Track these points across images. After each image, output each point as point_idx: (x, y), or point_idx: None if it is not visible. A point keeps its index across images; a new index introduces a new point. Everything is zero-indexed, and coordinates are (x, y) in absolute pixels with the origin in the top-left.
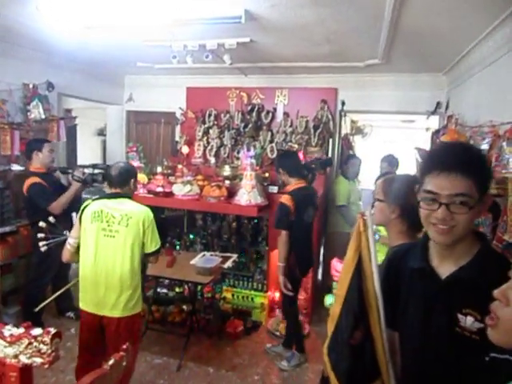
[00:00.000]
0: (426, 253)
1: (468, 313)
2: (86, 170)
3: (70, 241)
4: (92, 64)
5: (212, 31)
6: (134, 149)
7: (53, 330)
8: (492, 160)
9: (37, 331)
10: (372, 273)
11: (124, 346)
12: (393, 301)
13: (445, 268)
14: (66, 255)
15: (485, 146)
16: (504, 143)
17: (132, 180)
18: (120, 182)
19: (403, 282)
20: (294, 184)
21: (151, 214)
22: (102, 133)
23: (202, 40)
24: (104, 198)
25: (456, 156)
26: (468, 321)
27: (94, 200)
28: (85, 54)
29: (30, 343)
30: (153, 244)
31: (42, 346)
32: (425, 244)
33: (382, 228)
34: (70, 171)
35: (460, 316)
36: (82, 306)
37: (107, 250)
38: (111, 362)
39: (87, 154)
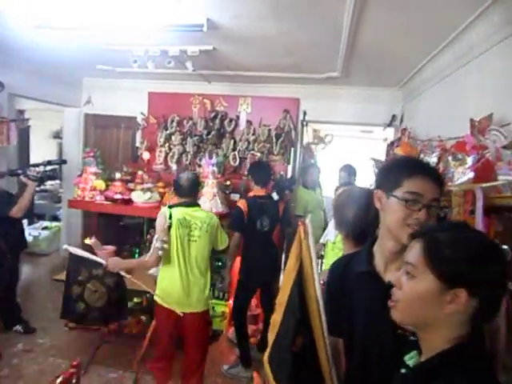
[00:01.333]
0: (370, 258)
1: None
2: (38, 169)
3: (159, 245)
4: (46, 64)
5: (174, 38)
6: (92, 154)
7: None
8: None
9: None
10: (313, 279)
11: (75, 362)
12: (337, 306)
13: (389, 273)
14: (154, 260)
15: (434, 160)
16: (450, 157)
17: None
18: (193, 192)
19: (348, 287)
20: (254, 191)
21: (217, 218)
22: (58, 135)
23: (164, 46)
24: (181, 206)
25: (431, 166)
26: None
27: (171, 208)
28: (39, 54)
29: None
30: (223, 242)
31: None
32: (369, 250)
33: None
34: (19, 172)
35: None
36: (168, 305)
37: (191, 253)
38: (59, 379)
39: (42, 157)
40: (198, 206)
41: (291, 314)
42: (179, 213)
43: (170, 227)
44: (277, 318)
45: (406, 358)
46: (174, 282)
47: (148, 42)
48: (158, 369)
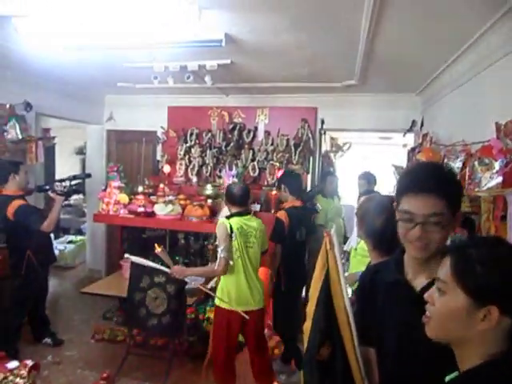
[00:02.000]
0: (400, 267)
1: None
2: (64, 184)
3: (224, 255)
4: (70, 83)
5: (193, 53)
6: (115, 169)
7: (30, 363)
8: (465, 178)
9: (13, 364)
10: (341, 290)
11: (104, 374)
12: (367, 316)
13: (419, 281)
14: (222, 269)
15: (458, 165)
16: (476, 162)
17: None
18: (246, 201)
19: (378, 297)
20: (290, 202)
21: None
22: (81, 152)
23: (183, 61)
24: (237, 216)
25: (430, 177)
26: None
27: (229, 218)
28: (63, 73)
29: (5, 377)
30: (266, 244)
31: (18, 379)
32: (399, 258)
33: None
34: (47, 188)
35: None
36: (236, 307)
37: (250, 258)
38: None
39: (66, 173)
40: (250, 213)
41: (317, 324)
42: (237, 222)
43: (231, 237)
44: (308, 325)
45: (447, 378)
46: (242, 287)
47: (168, 58)
48: (227, 372)
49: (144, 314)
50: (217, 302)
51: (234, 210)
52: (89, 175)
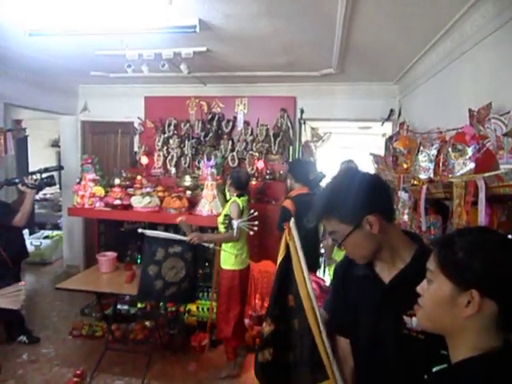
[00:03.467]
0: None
1: (412, 314)
2: (35, 176)
3: (242, 225)
4: (41, 73)
5: (167, 40)
6: (90, 161)
7: None
8: (440, 165)
9: None
10: (304, 278)
11: (78, 371)
12: (342, 308)
13: (386, 273)
14: (237, 236)
15: (433, 152)
16: (450, 149)
17: None
18: (247, 185)
19: (350, 289)
20: (296, 190)
21: None
22: (56, 144)
23: (157, 49)
24: (243, 197)
25: (320, 206)
26: (414, 321)
27: (239, 197)
28: (33, 62)
29: None
30: None
31: None
32: None
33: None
34: (16, 181)
35: (406, 318)
36: (247, 264)
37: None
38: None
39: (41, 166)
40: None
41: (269, 301)
42: (242, 202)
43: (242, 212)
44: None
45: (434, 368)
46: (247, 248)
47: (141, 45)
48: (240, 325)
49: (161, 285)
50: (228, 266)
51: (237, 192)
52: (61, 167)
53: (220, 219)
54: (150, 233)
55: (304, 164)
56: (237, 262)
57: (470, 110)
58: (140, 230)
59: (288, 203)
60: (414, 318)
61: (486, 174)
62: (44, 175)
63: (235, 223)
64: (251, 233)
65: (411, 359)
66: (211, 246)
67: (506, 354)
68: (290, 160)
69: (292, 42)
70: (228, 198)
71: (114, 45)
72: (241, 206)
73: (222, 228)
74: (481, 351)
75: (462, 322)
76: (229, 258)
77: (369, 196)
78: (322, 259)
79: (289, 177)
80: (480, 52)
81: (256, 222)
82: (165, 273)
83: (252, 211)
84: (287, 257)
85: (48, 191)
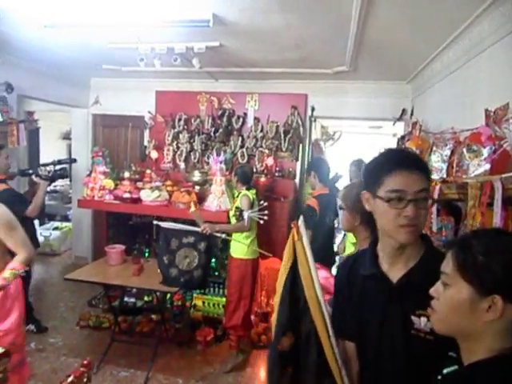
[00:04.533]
0: (375, 259)
1: (421, 314)
2: (48, 168)
3: (253, 215)
4: (54, 65)
5: (180, 34)
6: (100, 153)
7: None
8: (453, 166)
9: None
10: (312, 280)
11: (85, 361)
12: (346, 310)
13: (395, 272)
14: (248, 226)
15: (447, 152)
16: (464, 149)
17: None
18: (252, 178)
19: (355, 289)
20: (319, 190)
21: None
22: (67, 136)
23: (170, 43)
24: (251, 190)
25: (409, 156)
26: (422, 322)
27: (248, 190)
28: (46, 54)
29: None
30: None
31: None
32: (373, 251)
33: (350, 234)
34: (31, 172)
35: (414, 318)
36: (257, 254)
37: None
38: (70, 379)
39: (52, 158)
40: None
41: (281, 314)
42: (252, 194)
43: (252, 204)
44: (274, 316)
45: (445, 370)
46: (256, 239)
47: (154, 39)
48: (249, 315)
49: (176, 273)
50: (241, 255)
51: (245, 186)
52: (74, 160)
53: (231, 212)
54: (164, 224)
55: (326, 164)
56: (249, 251)
57: (486, 110)
58: (155, 222)
59: (313, 202)
60: (422, 319)
61: (504, 175)
62: (57, 167)
63: (245, 214)
64: (261, 222)
65: (419, 360)
66: (223, 235)
67: None
68: (313, 158)
69: (305, 37)
70: (236, 193)
71: (127, 38)
72: (251, 198)
73: (233, 220)
74: (495, 353)
75: (481, 326)
76: (241, 248)
77: None
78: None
79: (312, 175)
80: (498, 51)
81: (266, 212)
82: (179, 261)
83: (262, 202)
84: (294, 264)
85: (58, 183)
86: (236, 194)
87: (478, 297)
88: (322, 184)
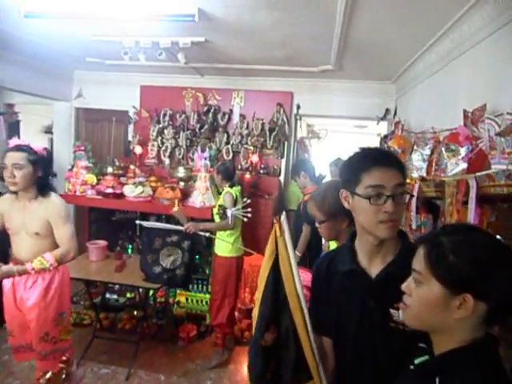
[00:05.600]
0: (353, 255)
1: (399, 307)
2: None
3: (236, 213)
4: (36, 56)
5: (166, 29)
6: (82, 148)
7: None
8: (433, 164)
9: None
10: (293, 275)
11: (64, 358)
12: (324, 305)
13: (374, 267)
14: (232, 224)
15: (427, 152)
16: (443, 148)
17: None
18: (235, 174)
19: (333, 286)
20: (310, 187)
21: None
22: (49, 130)
23: (155, 37)
24: (235, 186)
25: (385, 153)
26: (400, 314)
27: (231, 187)
28: (28, 45)
29: None
30: None
31: None
32: (351, 247)
33: (332, 242)
34: None
35: (392, 311)
36: (241, 252)
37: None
38: (48, 375)
39: None
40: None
41: (263, 310)
42: (235, 191)
43: (235, 202)
44: (255, 312)
45: (416, 360)
46: (240, 237)
47: (139, 32)
48: (233, 312)
49: (159, 270)
50: (225, 253)
51: (228, 183)
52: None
53: (215, 210)
54: (147, 224)
55: (311, 163)
56: (233, 249)
57: (464, 111)
58: (138, 222)
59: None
60: (400, 311)
61: (478, 174)
62: None
63: (229, 212)
64: (245, 219)
65: (396, 351)
66: (207, 234)
67: (487, 344)
68: (297, 160)
69: (291, 36)
70: (220, 190)
71: (112, 31)
72: (234, 195)
73: (217, 218)
74: (464, 343)
75: (452, 322)
76: (226, 246)
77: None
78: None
79: (302, 175)
80: (478, 53)
81: (249, 210)
82: (162, 260)
83: (245, 199)
84: (276, 260)
85: None
86: (220, 191)
87: (450, 295)
88: (313, 182)
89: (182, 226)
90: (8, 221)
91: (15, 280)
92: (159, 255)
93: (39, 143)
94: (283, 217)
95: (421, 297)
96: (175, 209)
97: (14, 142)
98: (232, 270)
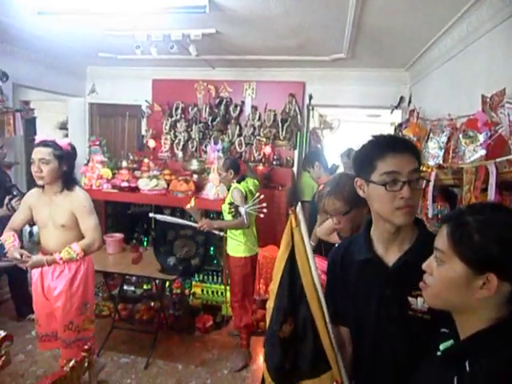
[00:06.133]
0: (370, 244)
1: (418, 294)
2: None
3: (250, 210)
4: (49, 53)
5: (177, 21)
6: (97, 142)
7: (2, 333)
8: (450, 152)
9: None
10: (309, 266)
11: (86, 346)
12: (340, 295)
13: (390, 256)
14: (248, 222)
15: (443, 139)
16: (460, 135)
17: None
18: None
19: (350, 275)
20: (325, 177)
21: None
22: (64, 126)
23: (166, 30)
24: (243, 181)
25: (398, 139)
26: (419, 302)
27: (239, 183)
28: (41, 42)
29: None
30: None
31: None
32: (367, 235)
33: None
34: (14, 194)
35: (411, 299)
36: (254, 251)
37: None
38: (72, 363)
39: None
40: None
41: (280, 302)
42: (243, 186)
43: (246, 197)
44: (270, 304)
45: (441, 346)
46: (254, 234)
47: (150, 26)
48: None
49: (174, 261)
50: (238, 253)
51: (237, 177)
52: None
53: (224, 208)
54: (160, 217)
55: (323, 154)
56: (247, 248)
57: (482, 96)
58: (151, 215)
59: None
60: (419, 299)
61: (498, 160)
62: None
63: (242, 210)
64: (261, 215)
65: (417, 340)
66: (222, 234)
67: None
68: (310, 151)
69: (302, 24)
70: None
71: (123, 25)
72: (243, 191)
73: (228, 217)
74: (490, 323)
75: (475, 301)
76: (238, 245)
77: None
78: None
79: (317, 166)
80: (496, 36)
81: (264, 204)
82: (176, 251)
83: (257, 194)
84: (292, 251)
85: None
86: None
87: (473, 275)
88: (327, 172)
89: (196, 222)
90: (36, 214)
91: (43, 270)
92: (173, 246)
93: (64, 139)
94: (299, 208)
95: (442, 276)
96: (189, 205)
97: (40, 137)
98: (247, 269)
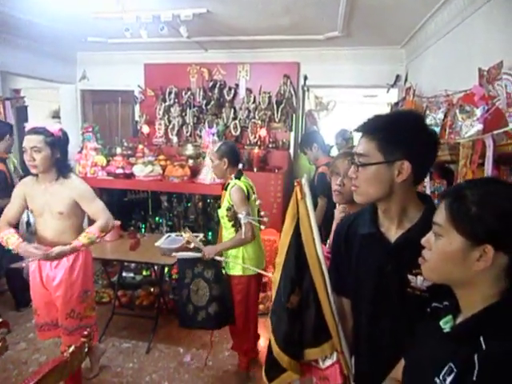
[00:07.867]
0: (375, 218)
1: (418, 273)
2: None
3: (249, 219)
4: (38, 39)
5: (166, 1)
6: (90, 129)
7: None
8: (446, 128)
9: None
10: (313, 238)
11: (85, 332)
12: (343, 267)
13: (394, 232)
14: (251, 235)
15: (440, 116)
16: (457, 110)
17: None
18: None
19: (353, 248)
20: (324, 159)
21: None
22: (57, 115)
23: (155, 11)
24: (243, 176)
25: (366, 121)
26: (418, 280)
27: (239, 179)
28: (29, 27)
29: None
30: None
31: None
32: (373, 210)
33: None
34: None
35: (410, 277)
36: (255, 271)
37: (256, 215)
38: (71, 349)
39: None
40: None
41: (287, 273)
42: (245, 183)
43: (248, 198)
44: (276, 276)
45: (442, 323)
46: (260, 247)
47: (138, 7)
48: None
49: (192, 310)
50: (238, 272)
51: (235, 169)
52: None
53: (222, 214)
54: (180, 255)
55: (320, 135)
56: (254, 261)
57: (479, 70)
58: (174, 254)
59: (326, 169)
60: (419, 277)
61: (495, 132)
62: None
63: (242, 220)
64: (262, 227)
65: (414, 317)
66: (224, 259)
67: None
68: (307, 132)
69: (295, 1)
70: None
71: (111, 7)
72: (245, 189)
73: (227, 223)
74: (494, 297)
75: (472, 274)
76: (235, 262)
77: (421, 147)
78: None
79: (314, 147)
80: (493, 9)
81: (263, 214)
82: (192, 296)
83: (258, 202)
84: (298, 223)
85: None
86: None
87: (470, 247)
88: (325, 153)
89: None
90: (31, 203)
91: (41, 260)
92: (190, 290)
93: (55, 125)
94: (304, 179)
95: (440, 249)
96: (184, 236)
97: (30, 124)
98: (251, 289)
